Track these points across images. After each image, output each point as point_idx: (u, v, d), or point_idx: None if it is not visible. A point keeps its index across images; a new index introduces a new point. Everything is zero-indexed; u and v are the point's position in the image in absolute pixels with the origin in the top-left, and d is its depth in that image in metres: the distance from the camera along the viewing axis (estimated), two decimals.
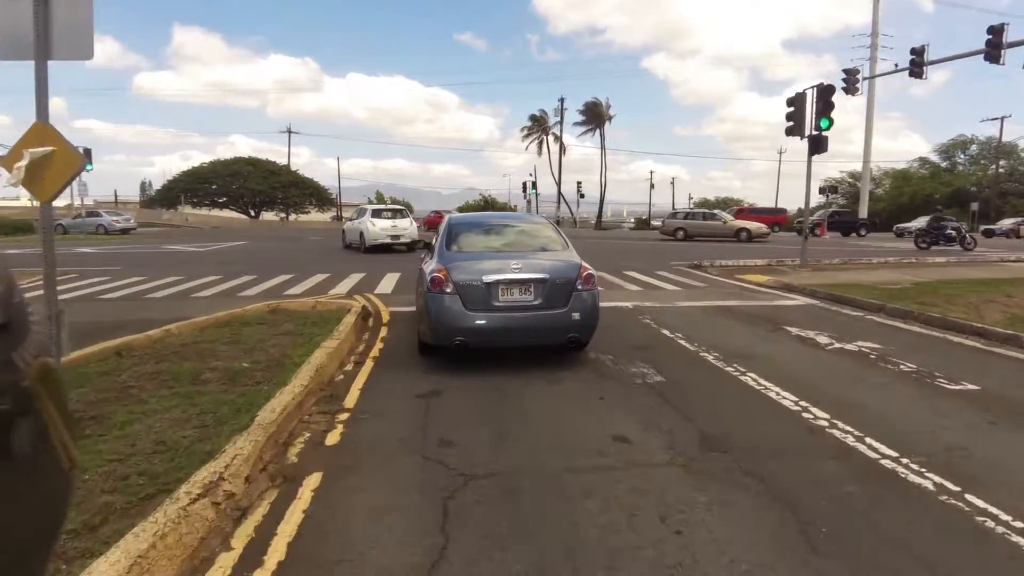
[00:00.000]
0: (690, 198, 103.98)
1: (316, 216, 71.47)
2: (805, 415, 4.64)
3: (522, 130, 70.78)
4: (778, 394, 5.14)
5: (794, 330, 7.86)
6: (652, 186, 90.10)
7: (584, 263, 6.33)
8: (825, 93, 14.56)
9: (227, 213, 67.52)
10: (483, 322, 5.86)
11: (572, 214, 67.72)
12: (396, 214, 22.15)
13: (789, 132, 15.14)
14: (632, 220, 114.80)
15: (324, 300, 9.37)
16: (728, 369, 5.94)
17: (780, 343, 7.20)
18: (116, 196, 78.30)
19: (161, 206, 66.45)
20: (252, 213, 67.67)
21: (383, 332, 7.71)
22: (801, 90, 15.08)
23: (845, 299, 9.98)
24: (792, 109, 15.04)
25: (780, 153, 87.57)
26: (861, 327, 8.18)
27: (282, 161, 70.63)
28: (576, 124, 69.07)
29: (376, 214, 21.74)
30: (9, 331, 0.71)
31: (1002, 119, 49.08)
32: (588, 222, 73.42)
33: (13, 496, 0.69)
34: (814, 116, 14.65)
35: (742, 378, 5.64)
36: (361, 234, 21.41)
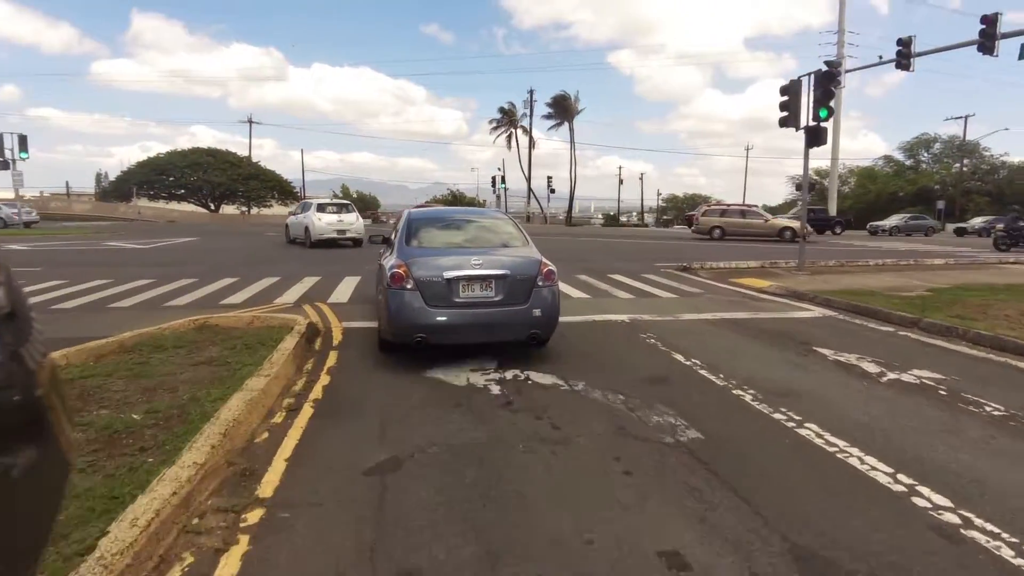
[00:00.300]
0: (659, 194, 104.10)
1: (279, 210, 68.46)
2: (918, 501, 3.26)
3: (490, 122, 69.16)
4: (861, 460, 3.76)
5: (828, 353, 6.53)
6: (621, 182, 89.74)
7: (544, 259, 6.21)
8: (825, 80, 13.41)
9: (185, 207, 64.34)
10: (444, 318, 5.74)
11: (542, 210, 66.44)
12: (342, 208, 21.31)
13: (783, 123, 13.93)
14: (600, 216, 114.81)
15: (264, 314, 7.72)
16: (777, 416, 4.55)
17: (822, 373, 5.84)
18: (68, 187, 74.22)
19: (116, 199, 63.03)
20: (212, 206, 64.62)
21: (331, 359, 6.12)
22: (796, 77, 13.90)
23: (868, 310, 8.74)
24: (786, 98, 13.83)
25: (747, 150, 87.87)
26: (903, 348, 6.90)
27: (245, 153, 67.70)
28: (545, 117, 67.86)
29: (321, 208, 20.81)
30: (15, 321, 0.74)
31: (966, 118, 49.42)
32: (557, 218, 72.28)
33: (23, 487, 0.73)
34: (812, 105, 13.48)
35: (801, 432, 4.24)
36: (307, 229, 20.39)
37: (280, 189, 66.73)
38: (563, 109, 64.39)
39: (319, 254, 17.96)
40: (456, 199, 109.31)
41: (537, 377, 5.51)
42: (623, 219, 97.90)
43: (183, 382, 5.07)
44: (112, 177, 69.28)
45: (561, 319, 6.46)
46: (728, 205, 32.11)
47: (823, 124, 13.48)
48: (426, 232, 6.73)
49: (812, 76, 13.84)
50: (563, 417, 4.51)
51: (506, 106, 67.95)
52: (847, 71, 32.58)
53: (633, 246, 23.95)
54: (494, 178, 55.12)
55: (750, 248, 22.62)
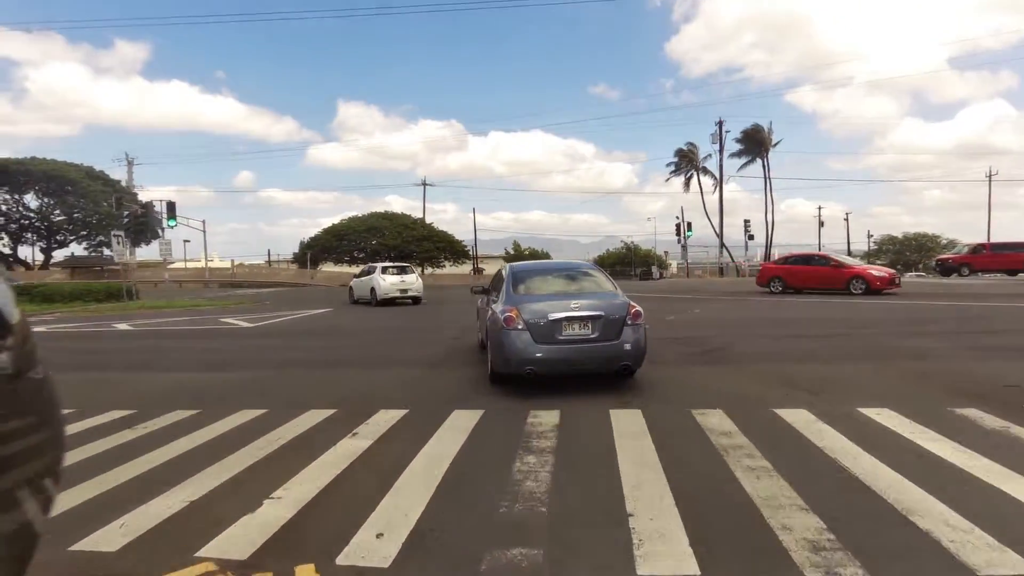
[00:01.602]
0: (869, 236, 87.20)
1: (450, 270, 67.04)
2: None
3: (667, 165, 61.82)
4: None
5: None
6: (821, 224, 76.26)
7: (632, 302, 7.01)
8: None
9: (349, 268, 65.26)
10: (550, 353, 6.57)
11: (732, 260, 56.76)
12: (402, 270, 23.19)
13: None
14: None
15: None
16: None
17: None
18: (269, 255, 79.93)
19: (301, 265, 65.74)
20: None
21: None
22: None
23: None
24: None
25: (989, 177, 70.94)
26: None
27: (430, 217, 67.82)
28: (733, 156, 58.94)
29: (385, 271, 22.66)
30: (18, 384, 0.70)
31: None
32: (748, 268, 61.71)
33: None
34: None
35: None
36: (372, 289, 22.07)
37: (451, 250, 65.12)
38: (755, 143, 55.25)
39: (429, 344, 12.21)
40: (630, 252, 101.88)
41: None
42: None
43: None
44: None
45: None
46: None
47: None
48: (530, 281, 7.64)
49: None
50: None
51: (685, 147, 60.47)
52: None
53: (930, 313, 15.20)
54: (678, 226, 47.16)
55: None
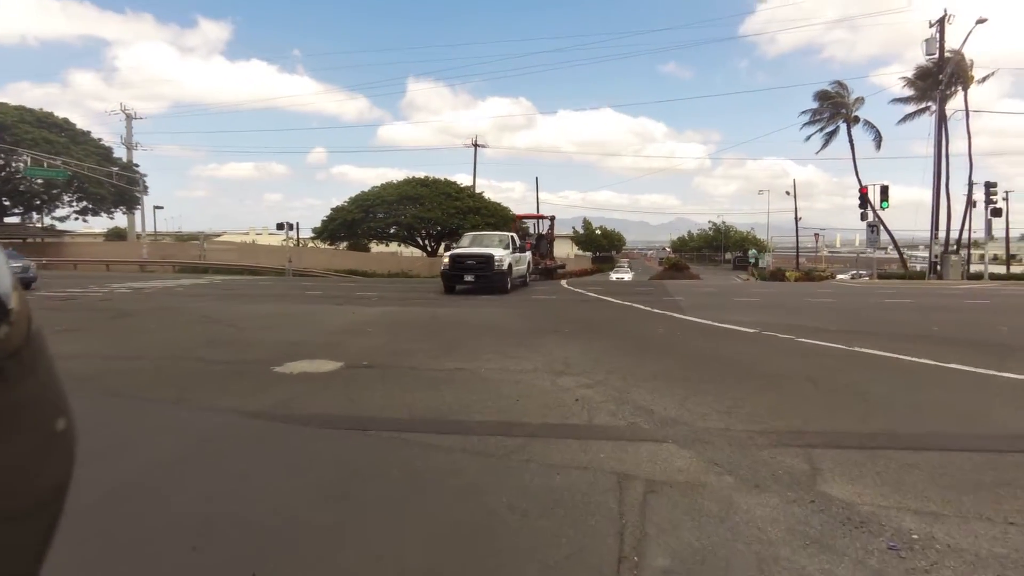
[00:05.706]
0: None
1: None
2: None
3: (802, 114, 43.81)
4: None
5: None
6: (1005, 198, 55.72)
7: None
8: None
9: (394, 248, 51.28)
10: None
11: (900, 252, 38.74)
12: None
13: None
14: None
15: None
16: None
17: None
18: (297, 230, 66.79)
19: (329, 241, 52.14)
20: (430, 247, 50.24)
21: None
22: None
23: None
24: None
25: None
26: None
27: (492, 195, 52.87)
28: (896, 101, 40.38)
29: None
30: None
31: None
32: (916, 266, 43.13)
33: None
34: None
35: None
36: None
37: (506, 226, 49.97)
38: (941, 82, 36.59)
39: None
40: (720, 235, 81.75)
41: None
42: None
43: None
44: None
45: None
46: None
47: None
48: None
49: None
50: None
51: (830, 87, 42.32)
52: None
53: None
54: (863, 193, 29.24)
55: None
